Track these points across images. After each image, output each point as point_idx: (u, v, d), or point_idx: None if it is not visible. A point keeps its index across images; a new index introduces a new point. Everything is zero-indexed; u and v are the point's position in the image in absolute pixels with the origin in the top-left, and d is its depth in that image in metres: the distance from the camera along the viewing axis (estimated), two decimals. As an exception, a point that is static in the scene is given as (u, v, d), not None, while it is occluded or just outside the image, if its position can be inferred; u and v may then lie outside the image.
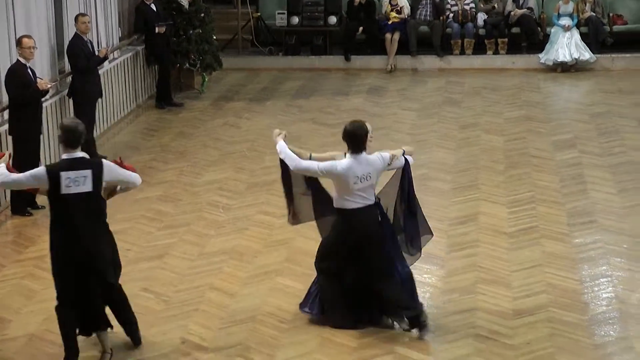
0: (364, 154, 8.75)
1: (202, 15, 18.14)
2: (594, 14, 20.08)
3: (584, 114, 16.68)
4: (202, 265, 10.68)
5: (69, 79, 14.37)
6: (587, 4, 20.09)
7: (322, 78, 19.60)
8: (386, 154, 8.87)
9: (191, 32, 17.93)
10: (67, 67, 14.53)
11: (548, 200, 12.48)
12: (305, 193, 9.20)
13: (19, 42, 12.33)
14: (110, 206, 8.53)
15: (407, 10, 20.37)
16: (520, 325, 9.15)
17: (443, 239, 10.95)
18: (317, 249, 9.17)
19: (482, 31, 20.43)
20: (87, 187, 8.04)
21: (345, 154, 8.85)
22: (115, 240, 8.61)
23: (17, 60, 12.33)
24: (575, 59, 19.59)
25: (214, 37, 18.46)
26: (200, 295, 9.92)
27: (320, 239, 9.28)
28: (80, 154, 8.14)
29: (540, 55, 19.92)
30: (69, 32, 14.59)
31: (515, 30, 20.44)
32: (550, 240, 11.18)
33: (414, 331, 8.92)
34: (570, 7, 19.87)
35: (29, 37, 12.42)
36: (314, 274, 9.69)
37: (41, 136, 12.50)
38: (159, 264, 10.74)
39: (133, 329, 8.69)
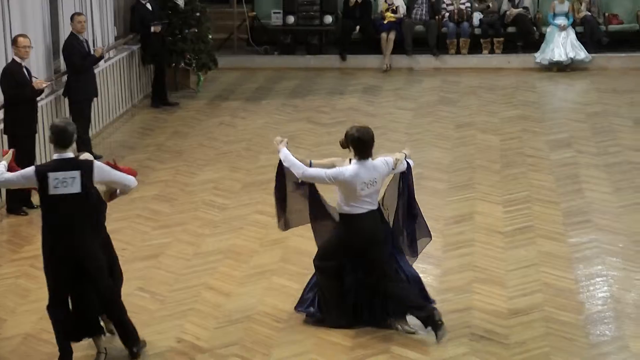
0: (369, 160, 8.75)
1: (198, 14, 18.14)
2: (590, 14, 20.10)
3: (579, 113, 16.69)
4: (197, 265, 10.68)
5: (65, 78, 14.35)
6: (583, 4, 20.11)
7: (318, 77, 19.60)
8: (389, 158, 8.87)
9: (187, 31, 17.92)
10: (63, 66, 14.51)
11: (543, 199, 12.48)
12: (303, 195, 9.19)
13: (14, 42, 12.33)
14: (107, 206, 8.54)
15: (402, 10, 20.38)
16: (516, 325, 9.16)
17: (439, 239, 10.95)
18: (318, 248, 9.14)
19: (477, 31, 20.45)
20: (76, 188, 7.95)
21: (349, 160, 8.82)
22: (115, 252, 8.60)
23: (13, 59, 12.33)
24: (571, 58, 19.60)
25: (210, 37, 18.45)
26: (195, 295, 9.91)
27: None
28: (70, 154, 8.06)
29: (535, 55, 19.94)
30: (65, 31, 14.58)
31: (510, 29, 20.45)
32: (546, 239, 11.19)
33: (421, 333, 8.89)
34: (565, 6, 19.88)
35: (24, 36, 12.41)
36: (309, 273, 9.69)
37: (36, 135, 12.49)
38: (155, 264, 10.74)
39: (129, 343, 8.48)
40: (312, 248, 9.80)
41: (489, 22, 20.34)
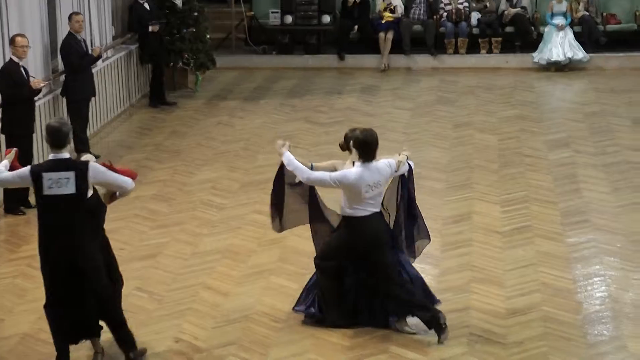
0: (373, 162, 8.74)
1: (196, 14, 18.12)
2: (587, 13, 20.10)
3: (577, 113, 16.69)
4: (195, 265, 10.67)
5: (62, 77, 14.35)
6: (581, 3, 20.11)
7: (316, 77, 19.59)
8: (392, 161, 8.87)
9: (185, 31, 17.91)
10: (61, 66, 14.50)
11: (541, 199, 12.48)
12: (301, 195, 9.18)
13: (12, 41, 12.33)
14: (105, 206, 8.53)
15: (400, 10, 20.37)
16: (514, 324, 9.16)
17: (437, 238, 10.94)
18: (320, 248, 9.11)
19: (475, 30, 20.45)
20: (70, 189, 7.90)
21: (353, 163, 8.81)
22: (114, 255, 8.57)
23: (10, 59, 12.33)
24: (569, 58, 19.60)
25: (208, 36, 18.44)
26: (193, 295, 9.91)
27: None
28: (66, 155, 8.01)
29: (533, 55, 19.93)
30: (63, 30, 14.57)
31: (508, 29, 20.44)
32: (544, 239, 11.19)
33: (420, 333, 8.89)
34: (563, 6, 19.88)
35: (22, 35, 12.41)
36: (307, 273, 9.70)
37: (34, 135, 12.48)
38: (152, 263, 10.73)
39: (125, 347, 8.39)
40: (310, 248, 9.79)
41: (487, 21, 20.35)
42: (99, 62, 15.23)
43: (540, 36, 20.10)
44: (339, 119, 16.41)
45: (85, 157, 8.38)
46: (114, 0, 17.19)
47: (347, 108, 17.18)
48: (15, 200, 12.09)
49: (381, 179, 8.77)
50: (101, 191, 8.32)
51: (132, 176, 8.48)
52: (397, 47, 20.27)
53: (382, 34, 20.09)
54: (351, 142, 8.82)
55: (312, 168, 8.92)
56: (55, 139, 8.00)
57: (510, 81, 19.02)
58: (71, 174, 7.90)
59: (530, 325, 9.13)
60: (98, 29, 16.14)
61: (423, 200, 11.14)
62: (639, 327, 9.11)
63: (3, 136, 12.23)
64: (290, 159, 8.83)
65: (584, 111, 16.75)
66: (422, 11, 20.42)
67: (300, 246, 10.81)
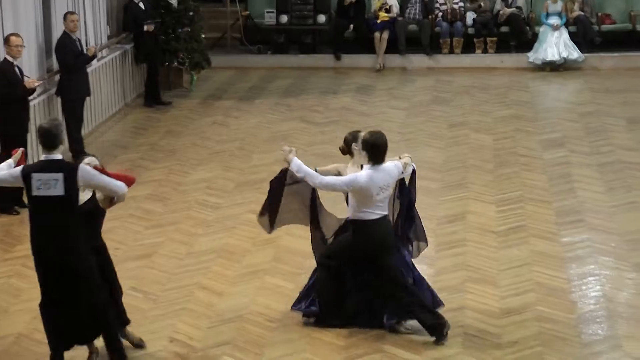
0: (382, 164, 8.73)
1: (191, 13, 18.12)
2: (583, 13, 20.11)
3: (572, 113, 16.71)
4: (190, 264, 10.67)
5: (57, 77, 14.33)
6: (576, 3, 20.13)
7: (311, 77, 19.59)
8: (398, 162, 8.86)
9: (180, 30, 17.91)
10: (55, 65, 14.49)
11: (536, 199, 12.49)
12: (298, 193, 9.17)
13: (6, 40, 12.32)
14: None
15: (396, 9, 20.38)
16: (508, 324, 9.16)
17: (432, 238, 10.89)
18: (327, 247, 9.06)
19: (471, 30, 20.45)
20: (59, 191, 7.84)
21: (361, 166, 8.78)
22: (112, 262, 8.53)
23: (5, 58, 12.32)
24: (564, 58, 19.61)
25: (203, 36, 18.44)
26: (188, 294, 9.90)
27: (309, 239, 9.29)
28: (57, 156, 7.96)
29: (529, 55, 19.95)
30: (57, 30, 14.55)
31: (504, 29, 20.45)
32: (539, 239, 11.20)
33: (417, 334, 8.89)
34: (558, 6, 19.90)
35: (16, 35, 12.40)
36: (302, 272, 9.71)
37: (28, 135, 12.47)
38: (147, 263, 10.73)
39: (115, 357, 8.33)
40: (305, 247, 9.82)
41: (482, 21, 20.35)
42: (94, 61, 15.22)
43: (535, 36, 20.12)
44: (334, 119, 16.42)
45: (87, 159, 8.35)
46: (109, 0, 17.17)
47: (342, 108, 17.18)
48: (9, 199, 12.07)
49: (390, 181, 8.76)
50: (98, 195, 8.28)
51: (129, 180, 8.41)
52: (393, 47, 20.27)
53: (377, 34, 20.09)
54: (360, 145, 8.80)
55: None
56: (47, 139, 7.96)
57: (506, 81, 19.03)
58: (60, 176, 7.84)
59: (524, 325, 9.14)
60: (93, 29, 16.13)
61: (418, 200, 11.06)
62: (633, 327, 9.12)
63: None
64: (299, 166, 8.72)
65: (578, 111, 16.76)
66: (417, 11, 20.43)
67: (294, 246, 10.81)
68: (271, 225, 9.27)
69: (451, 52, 20.44)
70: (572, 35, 19.80)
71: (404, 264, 9.00)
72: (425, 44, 20.35)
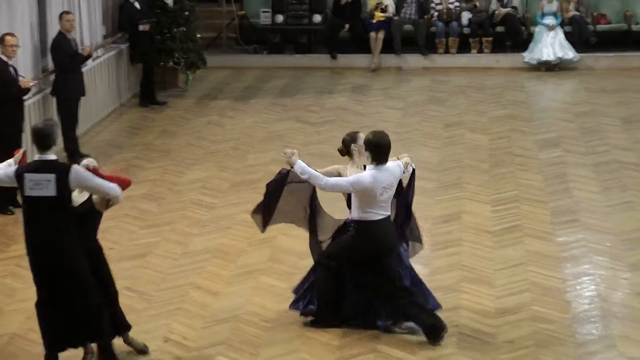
0: (385, 164, 8.71)
1: (187, 13, 18.10)
2: (578, 13, 20.12)
3: (567, 113, 16.71)
4: (185, 264, 10.66)
5: (52, 77, 14.32)
6: (571, 3, 20.13)
7: (307, 76, 19.58)
8: (399, 162, 8.86)
9: (175, 30, 17.89)
10: (51, 65, 14.47)
11: (532, 199, 12.49)
12: (300, 199, 9.15)
13: (1, 40, 12.29)
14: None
15: (392, 9, 20.37)
16: (503, 324, 9.17)
17: (427, 238, 10.90)
18: (328, 247, 9.03)
19: (466, 30, 20.44)
20: (51, 191, 7.82)
21: (364, 166, 8.76)
22: (108, 267, 8.47)
23: (0, 58, 12.29)
24: (559, 58, 19.62)
25: (198, 35, 18.43)
26: (183, 294, 9.90)
27: (307, 238, 9.28)
28: (50, 156, 7.94)
29: (524, 55, 19.95)
30: (53, 30, 14.54)
31: (499, 29, 20.44)
32: (534, 238, 11.20)
33: (412, 334, 8.90)
34: (554, 6, 19.91)
35: (11, 35, 12.39)
36: (297, 272, 9.71)
37: (23, 134, 12.45)
38: (142, 263, 10.72)
39: None
40: (300, 247, 9.82)
41: (478, 21, 20.35)
42: (89, 61, 15.19)
43: (530, 36, 20.11)
44: (329, 119, 16.41)
45: (85, 161, 8.35)
46: (105, 0, 17.16)
47: (338, 107, 17.17)
48: (4, 199, 12.06)
49: (394, 181, 8.75)
50: (95, 197, 8.25)
51: (125, 183, 8.35)
52: (388, 47, 20.26)
53: (373, 34, 20.08)
54: (359, 146, 8.82)
55: None
56: (40, 140, 7.96)
57: (501, 81, 19.03)
58: (52, 177, 7.83)
59: (519, 325, 9.14)
60: (89, 28, 16.11)
61: (414, 200, 11.14)
62: (627, 327, 9.12)
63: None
64: (303, 168, 8.64)
65: (574, 111, 16.76)
66: (413, 11, 20.42)
67: (289, 246, 10.81)
68: (264, 225, 9.24)
69: (447, 52, 20.43)
70: (567, 35, 19.80)
71: (402, 265, 8.99)
72: (420, 43, 20.35)
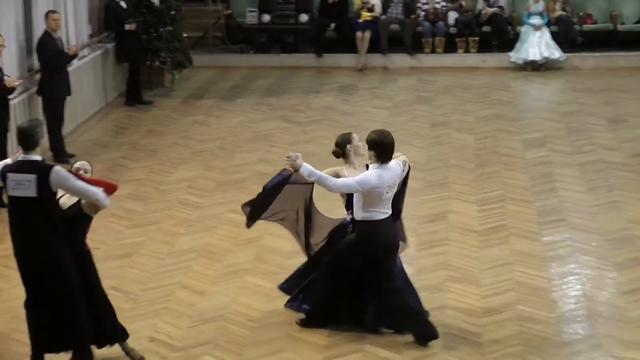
0: (389, 163, 8.70)
1: (173, 12, 18.07)
2: (564, 13, 20.16)
3: (554, 112, 16.74)
4: (171, 264, 10.65)
5: (38, 76, 14.28)
6: (557, 3, 20.17)
7: (293, 76, 19.57)
8: (399, 160, 8.85)
9: (162, 29, 17.86)
10: (36, 64, 14.44)
11: (518, 198, 12.51)
12: (295, 205, 9.13)
13: (-13, 39, 12.27)
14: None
15: (378, 9, 20.38)
16: (489, 323, 9.18)
17: (413, 237, 10.94)
18: (333, 249, 8.93)
19: (453, 30, 20.47)
20: (31, 192, 7.78)
21: (366, 166, 8.74)
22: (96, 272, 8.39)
23: (-15, 57, 12.27)
24: (546, 57, 19.65)
25: (185, 35, 18.41)
26: (169, 294, 9.88)
27: (291, 239, 9.28)
28: (34, 157, 7.89)
29: (510, 54, 19.98)
30: (39, 29, 14.50)
31: (486, 29, 20.46)
32: (520, 238, 11.21)
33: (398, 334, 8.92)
34: (540, 6, 19.94)
35: (-3, 34, 12.36)
36: (282, 272, 9.70)
37: (8, 134, 12.41)
38: (128, 263, 10.70)
39: None
40: (286, 247, 9.81)
41: (464, 21, 20.38)
42: (75, 60, 15.15)
43: (517, 36, 20.15)
44: (316, 118, 16.41)
45: (78, 163, 8.36)
46: (91, -1, 17.15)
47: (324, 107, 17.17)
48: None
49: (397, 179, 8.74)
50: (83, 201, 8.18)
51: (111, 187, 8.28)
52: (375, 46, 20.27)
53: (359, 33, 20.08)
54: (358, 145, 8.86)
55: None
56: (23, 139, 7.92)
57: (487, 80, 19.06)
58: (33, 177, 7.78)
59: (505, 324, 9.15)
60: (75, 28, 16.07)
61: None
62: (613, 326, 9.14)
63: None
64: (311, 170, 8.52)
65: (560, 110, 16.80)
66: (399, 10, 20.43)
67: (275, 245, 10.80)
68: (252, 220, 9.14)
69: (433, 51, 20.45)
70: (553, 35, 19.84)
71: (400, 269, 8.99)
72: (407, 43, 20.36)
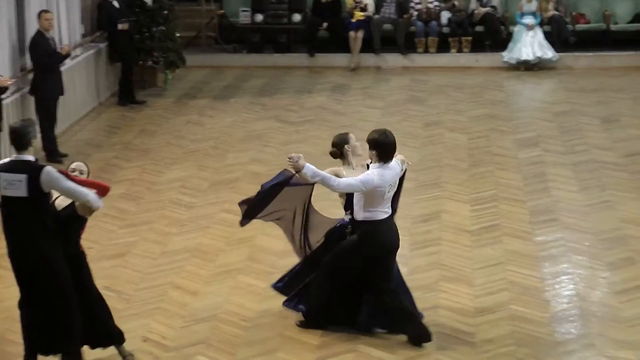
0: (390, 162, 8.69)
1: (166, 12, 18.06)
2: (557, 13, 20.18)
3: (546, 112, 16.75)
4: (164, 264, 10.64)
5: (31, 76, 14.26)
6: (550, 3, 20.19)
7: (286, 76, 19.56)
8: (398, 160, 8.85)
9: (155, 29, 17.84)
10: (29, 64, 14.41)
11: (510, 198, 12.52)
12: (292, 206, 9.11)
13: (-21, 39, 12.24)
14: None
15: (371, 8, 20.38)
16: (482, 323, 9.18)
17: (406, 237, 10.94)
18: (334, 250, 8.89)
19: (445, 29, 20.48)
20: (22, 192, 7.76)
21: (367, 165, 8.74)
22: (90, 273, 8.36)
23: (-22, 57, 12.25)
24: (539, 57, 19.67)
25: (178, 35, 18.39)
26: (162, 294, 9.87)
27: (284, 239, 9.26)
28: (26, 157, 7.87)
29: (503, 54, 19.99)
30: (31, 28, 14.48)
31: (478, 28, 20.47)
32: (512, 238, 11.22)
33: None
34: (533, 5, 19.96)
35: (-11, 33, 12.33)
36: (275, 272, 9.69)
37: (1, 134, 12.40)
38: (121, 263, 10.69)
39: None
40: (279, 247, 9.80)
41: (457, 21, 20.39)
42: (68, 60, 15.13)
43: (510, 35, 20.17)
44: (309, 118, 16.40)
45: (74, 164, 8.34)
46: (83, -2, 17.13)
47: (317, 107, 17.17)
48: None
49: (397, 178, 8.74)
50: (77, 203, 8.15)
51: (103, 189, 8.26)
52: (368, 46, 20.27)
53: (352, 33, 20.09)
54: (355, 145, 8.87)
55: None
56: (14, 139, 7.91)
57: (480, 80, 19.06)
58: (23, 177, 7.76)
59: (498, 324, 9.16)
60: (67, 27, 16.05)
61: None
62: (606, 325, 9.15)
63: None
64: (314, 171, 8.47)
65: (553, 110, 16.81)
66: (392, 10, 20.43)
67: (268, 245, 10.80)
68: (247, 219, 9.13)
69: (426, 51, 20.46)
70: (546, 35, 19.86)
71: (397, 270, 8.99)
72: (400, 43, 20.36)
